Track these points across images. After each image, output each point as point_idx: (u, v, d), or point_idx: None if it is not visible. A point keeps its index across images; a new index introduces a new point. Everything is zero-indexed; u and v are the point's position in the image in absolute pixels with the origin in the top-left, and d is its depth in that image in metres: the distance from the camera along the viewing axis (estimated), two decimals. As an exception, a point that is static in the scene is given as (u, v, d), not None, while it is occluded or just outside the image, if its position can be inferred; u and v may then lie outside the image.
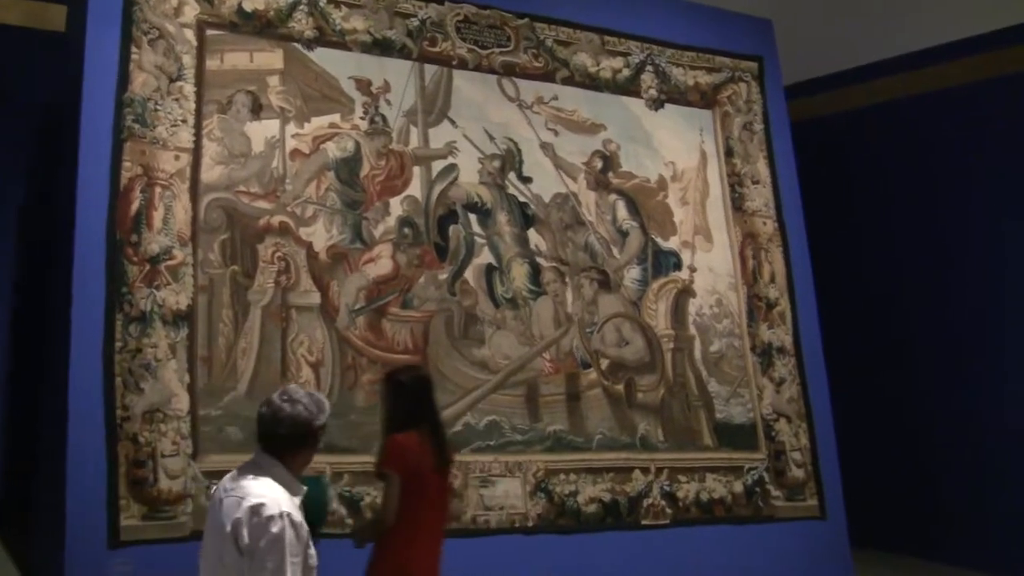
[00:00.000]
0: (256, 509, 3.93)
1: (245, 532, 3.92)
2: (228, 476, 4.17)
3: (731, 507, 8.53)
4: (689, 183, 9.20)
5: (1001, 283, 10.02)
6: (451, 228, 8.05)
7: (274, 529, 3.90)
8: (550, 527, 7.74)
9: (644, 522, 8.12)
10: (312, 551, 4.05)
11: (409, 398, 5.39)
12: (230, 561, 3.94)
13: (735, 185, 9.37)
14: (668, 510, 8.24)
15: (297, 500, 4.09)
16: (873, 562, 9.75)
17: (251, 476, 4.08)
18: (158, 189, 6.97)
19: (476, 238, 8.14)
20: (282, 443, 4.13)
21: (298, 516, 4.00)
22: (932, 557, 10.19)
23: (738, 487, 8.59)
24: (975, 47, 10.32)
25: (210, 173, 7.23)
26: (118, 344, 6.60)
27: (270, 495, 3.98)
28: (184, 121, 7.20)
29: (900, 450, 10.65)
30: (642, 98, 9.17)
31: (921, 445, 10.53)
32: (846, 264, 10.89)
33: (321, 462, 6.52)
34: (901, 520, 10.46)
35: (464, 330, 7.89)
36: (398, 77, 8.15)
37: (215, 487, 4.18)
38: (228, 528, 3.95)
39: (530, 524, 7.66)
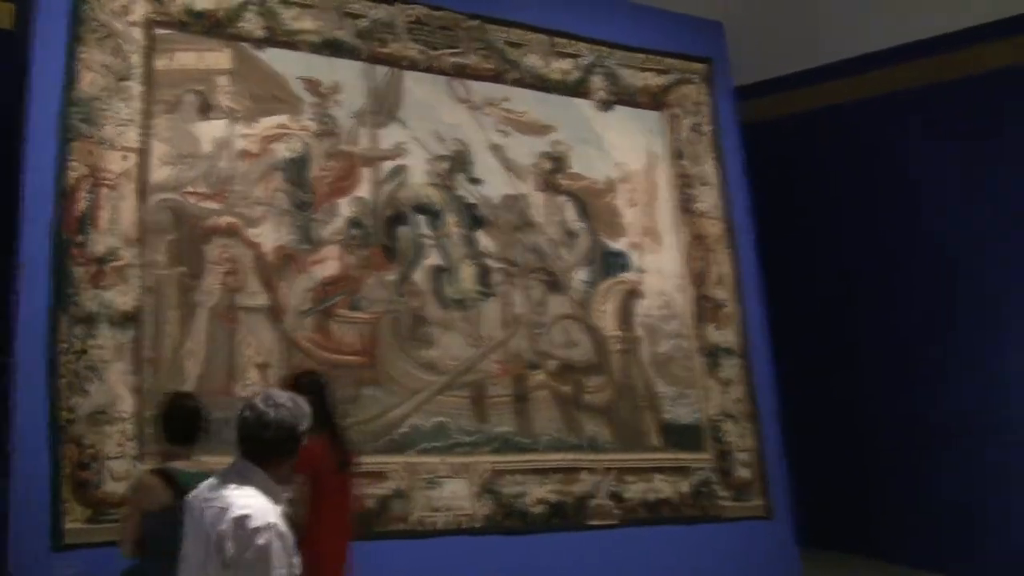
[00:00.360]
0: (241, 521, 3.85)
1: (230, 544, 3.84)
2: (207, 484, 4.10)
3: (678, 507, 8.67)
4: (638, 185, 9.33)
5: (947, 286, 10.23)
6: (400, 229, 8.13)
7: (260, 541, 3.83)
8: (497, 528, 7.84)
9: (591, 523, 8.23)
10: (296, 560, 3.96)
11: (310, 402, 5.48)
12: (213, 573, 3.88)
13: (684, 187, 9.51)
14: (615, 510, 8.37)
15: (280, 508, 3.99)
16: (820, 561, 9.93)
17: (233, 485, 3.98)
18: (105, 189, 7.02)
19: (425, 239, 8.23)
20: (266, 449, 4.01)
21: (283, 526, 3.93)
22: (878, 556, 10.42)
23: (685, 487, 8.72)
24: (922, 51, 10.50)
25: (158, 173, 7.27)
26: (63, 346, 6.64)
27: (255, 505, 3.90)
28: (132, 121, 7.25)
29: (848, 451, 10.86)
30: (592, 100, 9.30)
31: (868, 446, 10.75)
32: (797, 266, 11.06)
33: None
34: (849, 519, 10.69)
35: (412, 331, 7.98)
36: (348, 78, 8.22)
37: (192, 494, 4.15)
38: (212, 539, 3.88)
39: (477, 525, 7.76)
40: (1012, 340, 9.75)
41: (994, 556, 9.50)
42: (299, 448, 4.09)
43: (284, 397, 4.11)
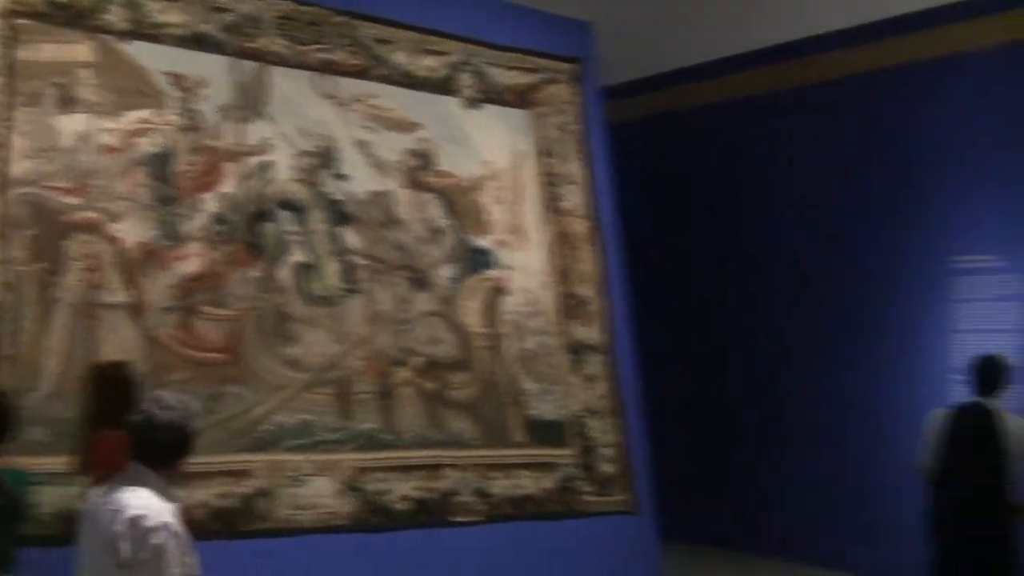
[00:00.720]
0: (136, 521, 3.92)
1: (125, 545, 3.90)
2: (101, 490, 4.17)
3: (543, 503, 8.83)
4: (505, 183, 9.44)
5: (805, 287, 10.66)
6: (265, 226, 8.13)
7: (155, 541, 3.91)
8: (362, 526, 7.91)
9: (456, 519, 8.34)
10: (191, 559, 4.05)
11: (113, 393, 5.51)
12: (107, 574, 3.94)
13: (550, 185, 9.65)
14: (480, 507, 8.50)
15: (175, 508, 4.07)
16: (684, 554, 10.27)
17: (126, 488, 4.04)
18: (-38, 184, 6.93)
19: (290, 236, 8.24)
20: (157, 451, 4.08)
21: (178, 526, 4.01)
22: (740, 548, 10.86)
23: (549, 483, 8.90)
24: (786, 54, 10.89)
25: (17, 167, 7.19)
26: (-81, 341, 6.55)
27: (150, 505, 3.98)
28: (-9, 113, 7.15)
29: (711, 446, 11.24)
30: (459, 98, 9.36)
31: (730, 441, 11.14)
32: (663, 265, 11.40)
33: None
34: (711, 513, 11.05)
35: (276, 328, 8.00)
36: (214, 72, 8.18)
37: (88, 501, 4.17)
38: (107, 541, 3.93)
39: (342, 523, 7.82)
40: (867, 339, 10.17)
41: (851, 545, 9.94)
42: (189, 448, 4.15)
43: (173, 399, 4.19)
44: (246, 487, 7.50)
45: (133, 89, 7.83)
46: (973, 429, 6.77)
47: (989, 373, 6.93)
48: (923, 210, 9.90)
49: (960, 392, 7.11)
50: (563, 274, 9.54)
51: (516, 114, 9.66)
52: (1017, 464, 6.67)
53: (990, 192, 9.44)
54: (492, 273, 9.19)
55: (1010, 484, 6.64)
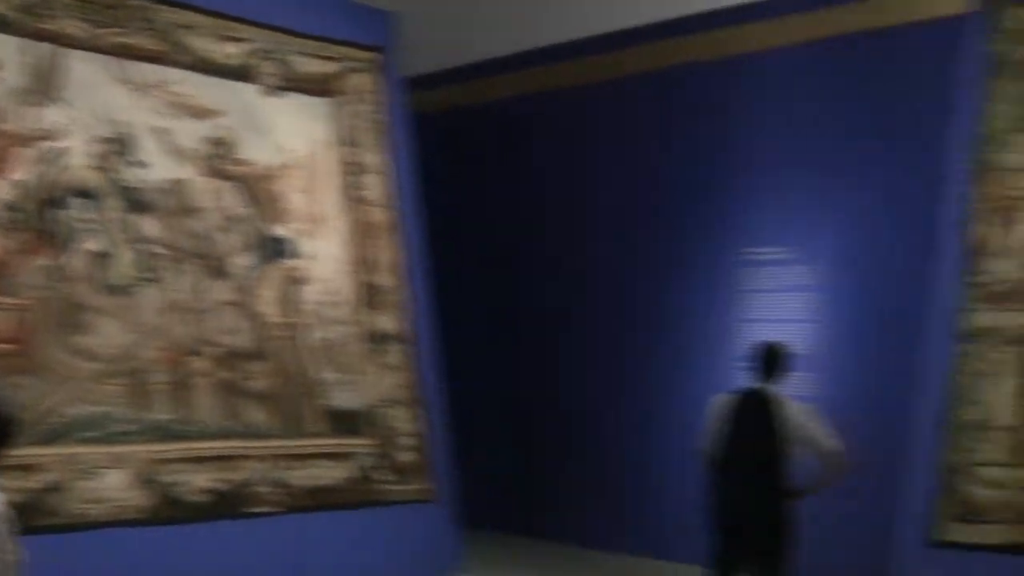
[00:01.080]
0: None
1: None
2: None
3: (342, 492, 8.98)
4: (304, 171, 9.45)
5: (598, 276, 11.03)
6: (58, 213, 7.98)
7: None
8: (158, 518, 7.91)
9: (255, 510, 8.42)
10: (14, 546, 3.98)
11: None
12: None
13: (351, 174, 9.71)
14: (278, 498, 8.60)
15: (2, 496, 4.03)
16: (486, 542, 10.55)
17: None
18: None
19: (84, 224, 8.10)
20: None
21: (5, 508, 3.99)
22: (541, 535, 11.19)
23: (348, 473, 9.05)
24: (582, 50, 11.27)
25: None
26: None
27: None
28: None
29: (511, 434, 11.52)
30: (260, 85, 9.29)
31: (530, 429, 11.45)
32: (468, 254, 11.62)
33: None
34: (515, 501, 11.33)
35: (68, 318, 7.88)
36: (6, 54, 7.94)
37: None
38: None
39: (136, 516, 7.81)
40: (663, 328, 10.58)
41: (650, 530, 10.37)
42: (12, 439, 4.16)
43: None
44: (36, 482, 7.42)
45: (-82, 71, 7.59)
46: (753, 415, 7.10)
47: (770, 360, 7.27)
48: (714, 204, 10.38)
49: (743, 379, 7.42)
50: (363, 263, 9.62)
51: (318, 103, 9.66)
52: (796, 449, 7.03)
53: (779, 186, 9.95)
54: (291, 262, 9.21)
55: (788, 469, 7.00)
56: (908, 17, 9.25)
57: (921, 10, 9.16)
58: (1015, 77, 7.92)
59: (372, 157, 9.91)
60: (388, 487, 9.29)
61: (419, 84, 10.93)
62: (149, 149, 8.59)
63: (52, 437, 7.61)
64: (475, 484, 10.27)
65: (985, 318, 7.75)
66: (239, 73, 9.22)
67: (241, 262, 8.92)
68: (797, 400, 7.26)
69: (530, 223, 11.72)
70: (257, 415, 8.71)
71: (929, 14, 9.06)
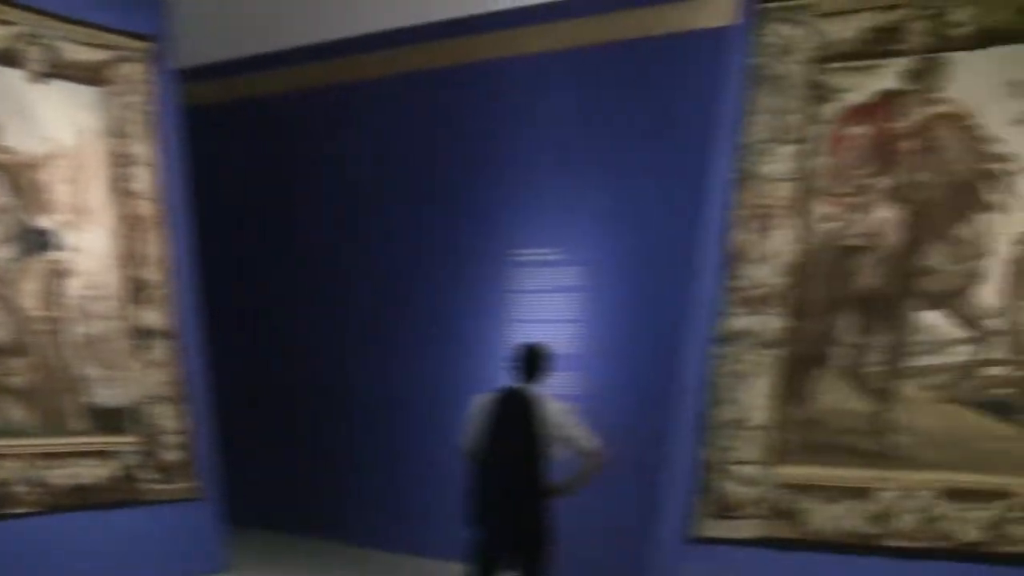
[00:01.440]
0: None
1: None
2: None
3: (106, 491, 8.89)
4: (71, 162, 9.25)
5: (370, 276, 11.16)
6: None
7: None
8: (-93, 520, 7.62)
9: (11, 511, 8.22)
10: None
11: None
12: None
13: (119, 166, 9.55)
14: (37, 497, 8.42)
15: None
16: (253, 540, 10.56)
17: None
18: None
19: None
20: None
21: None
22: (309, 533, 11.26)
23: (111, 471, 8.95)
24: (355, 47, 11.44)
25: None
26: None
27: None
28: None
29: (283, 433, 11.51)
30: (26, 71, 9.03)
31: (299, 427, 11.45)
32: (240, 250, 11.57)
33: None
34: (283, 499, 11.35)
35: None
36: None
37: None
38: None
39: None
40: (433, 328, 10.74)
41: (413, 528, 10.57)
42: None
43: None
44: None
45: None
46: (513, 413, 7.27)
47: (530, 360, 7.47)
48: (484, 205, 10.59)
49: (505, 378, 7.61)
50: (130, 257, 9.50)
51: (86, 91, 9.46)
52: (555, 447, 7.26)
53: (548, 189, 10.22)
54: (55, 255, 9.01)
55: (547, 467, 7.22)
56: (680, 26, 9.60)
57: (692, 20, 9.52)
58: (773, 90, 8.37)
59: (142, 149, 9.76)
60: (153, 486, 9.22)
61: (192, 76, 10.81)
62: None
63: None
64: (243, 482, 10.22)
65: (742, 322, 8.16)
66: (4, 57, 8.92)
67: (1, 254, 8.67)
68: (556, 399, 7.46)
69: (299, 219, 11.74)
70: (15, 412, 8.49)
71: (699, 24, 9.41)
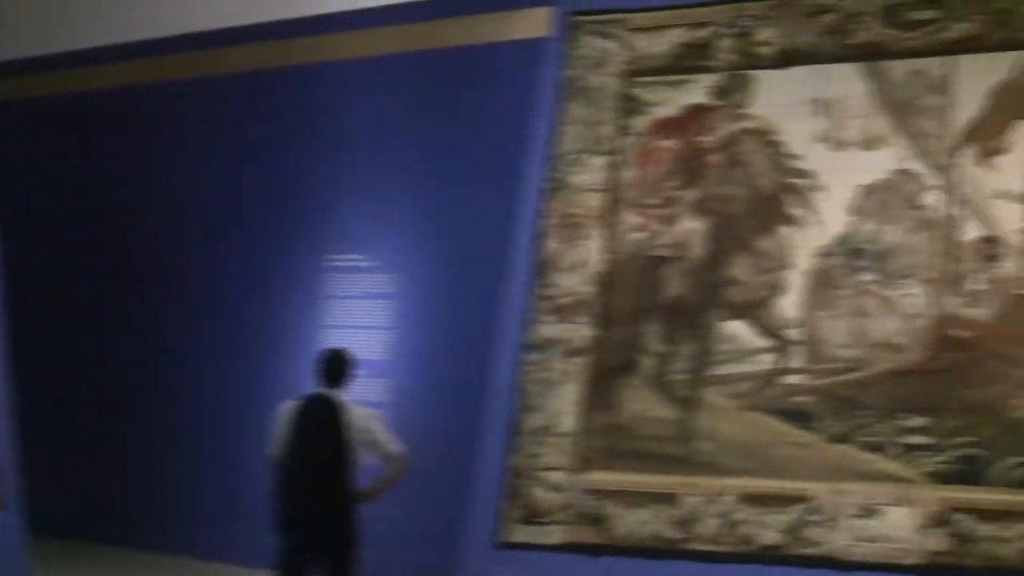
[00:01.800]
0: None
1: None
2: None
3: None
4: None
5: (184, 281, 11.04)
6: None
7: None
8: None
9: None
10: None
11: None
12: None
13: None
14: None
15: None
16: (55, 550, 10.18)
17: None
18: None
19: None
20: None
21: None
22: (117, 543, 11.00)
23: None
24: (167, 48, 11.29)
25: None
26: None
27: None
28: None
29: (90, 443, 11.28)
30: None
31: (109, 438, 11.24)
32: (47, 254, 11.31)
33: None
34: (90, 509, 11.13)
35: None
36: None
37: None
38: None
39: None
40: (246, 334, 10.68)
41: (220, 535, 10.41)
42: None
43: None
44: None
45: None
46: (317, 419, 7.30)
47: (334, 366, 7.51)
48: (299, 209, 10.58)
49: (310, 384, 7.63)
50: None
51: None
52: (360, 452, 7.30)
53: (362, 195, 10.24)
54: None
55: (352, 472, 7.25)
56: (496, 37, 9.74)
57: (509, 31, 9.66)
58: (586, 102, 8.56)
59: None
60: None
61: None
62: None
63: None
64: (48, 492, 9.99)
65: (551, 330, 8.34)
66: None
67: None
68: (361, 405, 7.51)
69: (108, 220, 11.53)
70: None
71: (516, 36, 9.56)
